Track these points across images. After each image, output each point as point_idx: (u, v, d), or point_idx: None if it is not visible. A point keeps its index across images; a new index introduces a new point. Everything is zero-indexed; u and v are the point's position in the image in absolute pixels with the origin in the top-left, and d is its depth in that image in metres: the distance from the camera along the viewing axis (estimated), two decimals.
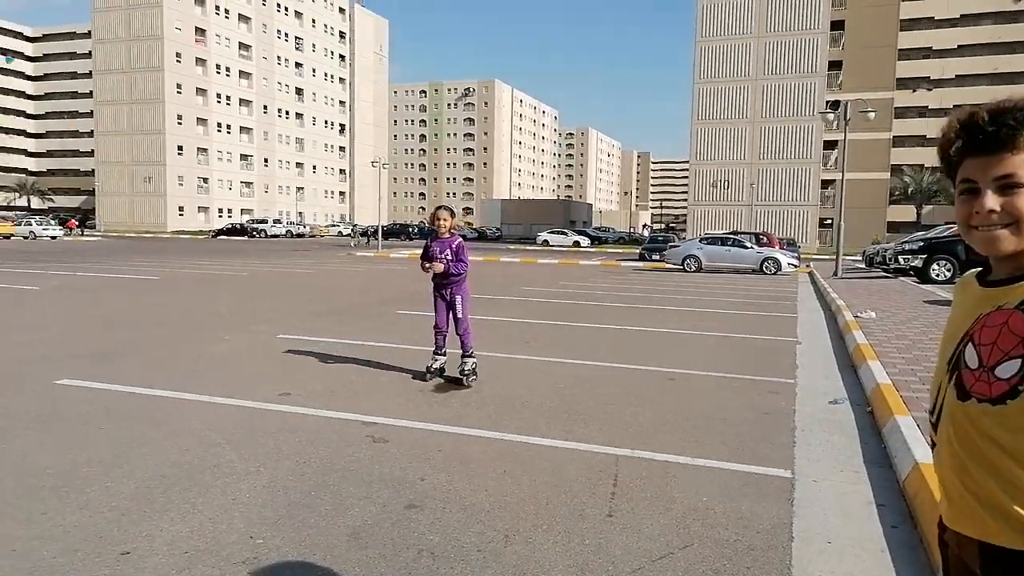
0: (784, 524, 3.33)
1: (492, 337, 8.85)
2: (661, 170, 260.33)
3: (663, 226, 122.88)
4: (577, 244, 55.37)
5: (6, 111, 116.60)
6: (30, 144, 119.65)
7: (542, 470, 4.01)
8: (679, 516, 3.40)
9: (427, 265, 6.10)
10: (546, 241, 56.34)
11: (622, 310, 12.56)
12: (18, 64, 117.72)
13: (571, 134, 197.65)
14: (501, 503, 3.51)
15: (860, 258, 31.78)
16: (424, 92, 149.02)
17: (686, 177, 62.84)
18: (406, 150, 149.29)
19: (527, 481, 3.83)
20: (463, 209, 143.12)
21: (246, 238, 60.21)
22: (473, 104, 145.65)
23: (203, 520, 3.20)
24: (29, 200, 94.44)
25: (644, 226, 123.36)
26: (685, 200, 62.35)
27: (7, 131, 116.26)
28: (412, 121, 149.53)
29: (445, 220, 6.09)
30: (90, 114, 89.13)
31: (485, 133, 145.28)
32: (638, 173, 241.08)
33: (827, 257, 37.28)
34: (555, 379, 6.46)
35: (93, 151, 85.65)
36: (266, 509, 3.35)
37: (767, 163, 55.35)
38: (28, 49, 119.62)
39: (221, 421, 4.81)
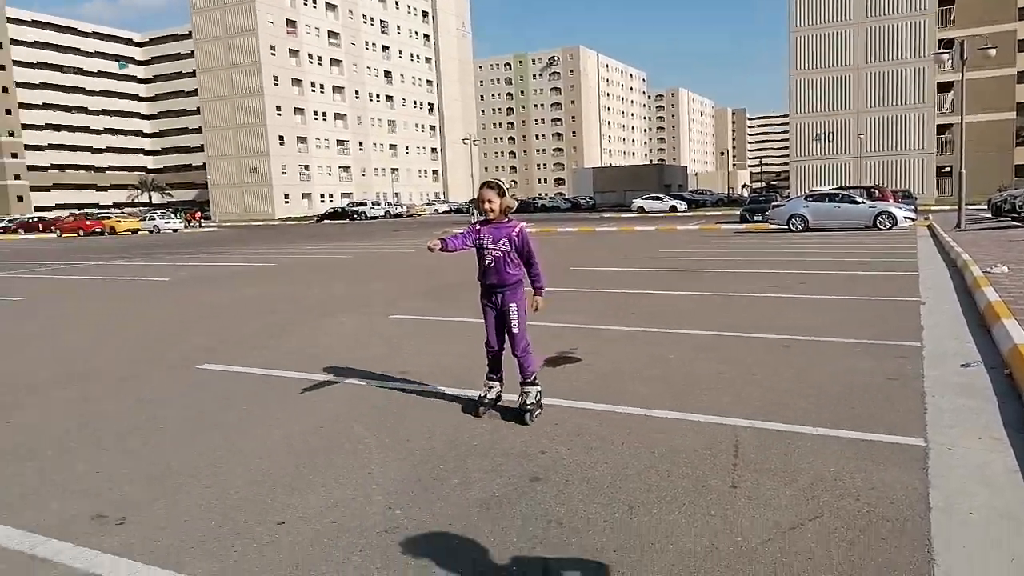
0: (920, 494, 3.23)
1: (596, 309, 8.88)
2: (758, 126, 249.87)
3: (763, 185, 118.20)
4: (674, 209, 54.17)
5: (124, 114, 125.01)
6: (147, 143, 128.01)
7: (659, 442, 4.04)
8: (806, 487, 3.36)
9: (433, 244, 4.40)
10: (641, 208, 55.39)
11: (727, 275, 12.27)
12: (131, 69, 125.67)
13: (661, 96, 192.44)
14: (622, 475, 3.57)
15: (986, 207, 29.56)
16: (509, 65, 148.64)
17: (786, 132, 60.05)
18: (494, 124, 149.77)
19: (645, 453, 3.87)
20: (554, 180, 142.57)
21: (347, 221, 62.41)
22: (559, 73, 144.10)
23: (345, 493, 3.44)
24: (150, 196, 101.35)
25: (744, 186, 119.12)
26: (786, 157, 59.69)
27: (126, 133, 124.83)
28: (499, 95, 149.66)
29: (492, 201, 4.44)
30: (197, 111, 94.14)
31: (572, 102, 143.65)
32: (734, 131, 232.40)
33: (948, 208, 34.91)
34: (664, 349, 6.43)
35: (203, 146, 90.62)
36: (400, 482, 3.56)
37: (875, 111, 52.08)
38: (138, 54, 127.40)
39: (348, 400, 5.09)
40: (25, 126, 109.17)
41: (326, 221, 64.40)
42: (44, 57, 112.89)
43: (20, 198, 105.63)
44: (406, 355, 6.53)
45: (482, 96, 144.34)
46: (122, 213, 63.17)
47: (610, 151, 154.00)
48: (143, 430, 4.56)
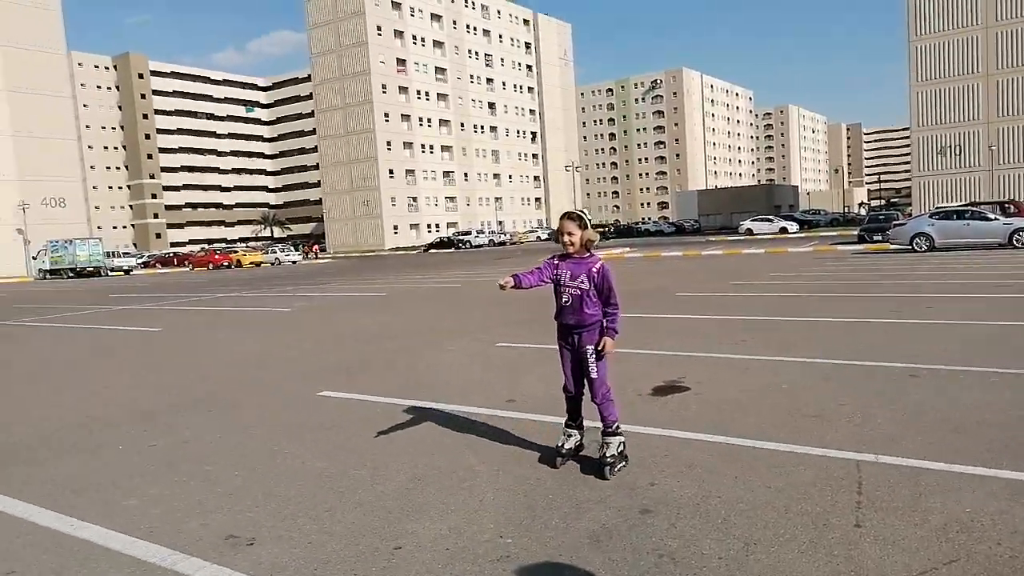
0: None
1: (705, 336, 8.69)
2: (876, 141, 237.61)
3: (883, 203, 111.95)
4: (784, 231, 52.22)
5: (250, 154, 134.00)
6: (270, 181, 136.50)
7: (775, 476, 3.90)
8: (938, 527, 3.15)
9: (505, 282, 4.13)
10: (749, 230, 53.75)
11: (845, 299, 11.70)
12: (256, 112, 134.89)
13: (769, 114, 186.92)
14: (736, 510, 3.47)
15: None
16: (611, 90, 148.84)
17: (907, 147, 56.79)
18: (597, 150, 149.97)
19: (760, 487, 3.74)
20: (658, 204, 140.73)
21: (453, 250, 63.98)
22: (662, 96, 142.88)
23: (458, 520, 3.52)
24: (272, 231, 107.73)
25: (861, 204, 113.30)
26: (907, 172, 56.40)
27: (251, 172, 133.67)
28: (600, 121, 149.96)
29: (572, 234, 4.07)
30: (315, 149, 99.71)
31: (676, 124, 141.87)
32: (849, 148, 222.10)
33: None
34: (777, 379, 6.20)
35: (319, 182, 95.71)
36: (510, 511, 3.61)
37: (1009, 120, 48.43)
38: (262, 98, 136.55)
39: (458, 427, 5.22)
40: (163, 169, 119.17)
41: (432, 250, 66.30)
42: (181, 105, 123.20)
43: (158, 235, 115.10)
44: (513, 383, 6.62)
45: (584, 122, 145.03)
46: (247, 247, 67.56)
47: (715, 173, 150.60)
48: (267, 455, 4.84)
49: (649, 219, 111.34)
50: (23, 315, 17.79)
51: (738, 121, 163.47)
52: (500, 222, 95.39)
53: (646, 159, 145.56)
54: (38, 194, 59.46)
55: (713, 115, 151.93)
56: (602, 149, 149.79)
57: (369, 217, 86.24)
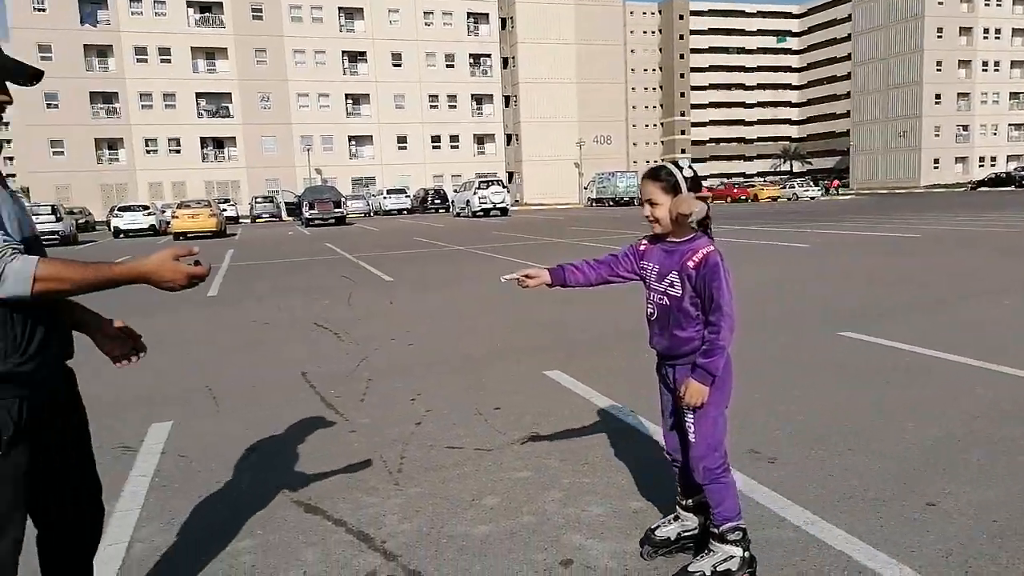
0: None
1: None
2: None
3: None
4: None
5: (775, 87, 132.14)
6: (793, 113, 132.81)
7: None
8: None
9: (524, 277, 2.67)
10: None
11: None
12: (787, 42, 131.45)
13: None
14: None
15: None
16: None
17: None
18: None
19: None
20: None
21: (1013, 188, 52.97)
22: None
23: (999, 494, 3.09)
24: (791, 165, 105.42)
25: None
26: None
27: (776, 104, 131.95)
28: None
29: (655, 204, 2.42)
30: (847, 77, 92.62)
31: None
32: None
33: None
34: None
35: (848, 112, 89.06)
36: None
37: None
38: (794, 26, 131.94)
39: (1005, 391, 4.49)
40: (692, 106, 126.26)
41: (982, 188, 55.97)
42: (713, 42, 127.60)
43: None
44: None
45: None
46: (764, 181, 67.49)
47: None
48: (784, 385, 4.94)
49: None
50: (581, 236, 21.27)
51: None
52: None
53: None
54: (591, 132, 69.56)
55: None
56: None
57: (904, 150, 77.06)
